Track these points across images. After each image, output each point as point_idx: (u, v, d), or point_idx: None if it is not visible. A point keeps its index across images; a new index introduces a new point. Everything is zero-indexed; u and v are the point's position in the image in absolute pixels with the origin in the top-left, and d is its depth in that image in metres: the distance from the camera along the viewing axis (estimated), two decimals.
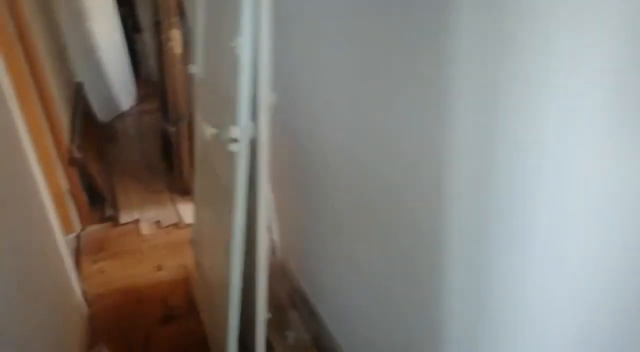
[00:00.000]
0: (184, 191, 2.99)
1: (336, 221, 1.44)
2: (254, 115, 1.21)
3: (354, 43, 1.03)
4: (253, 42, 1.12)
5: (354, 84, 1.09)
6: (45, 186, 1.94)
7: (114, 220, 2.82)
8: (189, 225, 2.71)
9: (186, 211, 2.84)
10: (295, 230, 1.95)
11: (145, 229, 2.71)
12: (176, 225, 2.73)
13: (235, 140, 1.23)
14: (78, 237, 2.65)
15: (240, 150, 1.22)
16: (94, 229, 2.74)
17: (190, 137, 2.89)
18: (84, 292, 2.19)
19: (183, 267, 2.37)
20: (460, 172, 0.77)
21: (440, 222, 0.85)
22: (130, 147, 3.98)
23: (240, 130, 1.20)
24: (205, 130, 1.38)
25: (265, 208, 1.29)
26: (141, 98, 5.07)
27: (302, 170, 1.63)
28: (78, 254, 2.52)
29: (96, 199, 2.86)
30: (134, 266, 2.42)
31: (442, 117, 0.78)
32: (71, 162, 2.59)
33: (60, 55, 3.58)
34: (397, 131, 0.93)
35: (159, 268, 2.39)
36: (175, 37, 2.48)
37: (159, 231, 2.70)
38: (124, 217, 2.83)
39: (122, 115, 4.72)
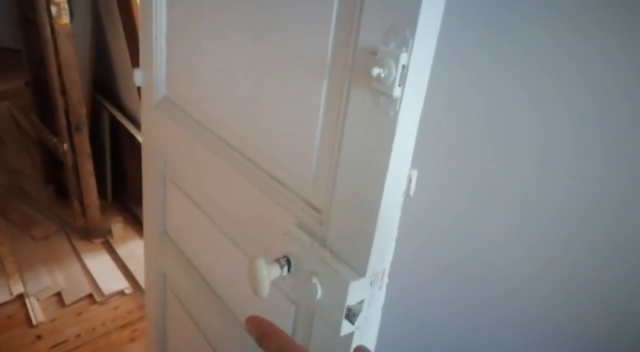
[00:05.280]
0: (92, 232, 1.98)
1: None
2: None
3: None
4: None
5: None
6: None
7: None
8: (113, 295, 1.75)
9: (103, 268, 1.86)
10: None
11: (37, 312, 1.68)
12: (90, 298, 1.75)
13: (352, 313, 0.50)
14: None
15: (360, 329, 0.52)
16: None
17: (94, 153, 1.87)
18: None
19: None
20: None
21: None
22: None
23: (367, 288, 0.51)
24: (259, 273, 0.54)
25: None
26: None
27: None
28: None
29: None
30: None
31: None
32: None
33: None
34: None
35: None
36: None
37: (62, 312, 1.70)
38: None
39: None
